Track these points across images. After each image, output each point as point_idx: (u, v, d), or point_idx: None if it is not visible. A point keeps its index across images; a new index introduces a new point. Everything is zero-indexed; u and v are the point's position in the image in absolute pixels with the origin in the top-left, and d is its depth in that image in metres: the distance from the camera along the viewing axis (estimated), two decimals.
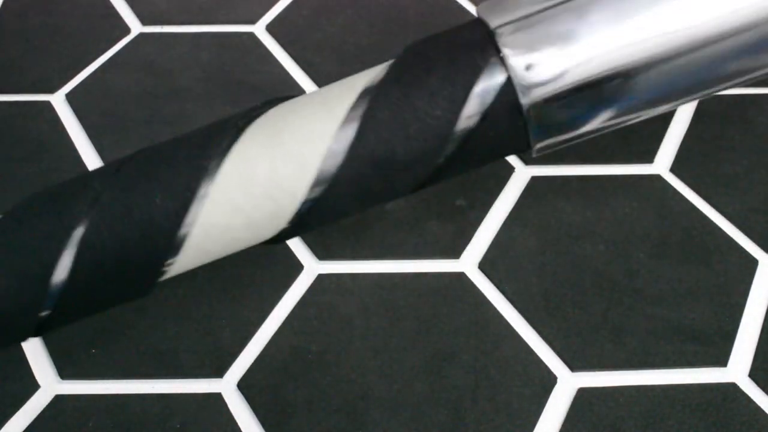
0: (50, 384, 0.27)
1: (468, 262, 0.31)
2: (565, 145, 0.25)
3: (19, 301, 0.22)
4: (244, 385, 0.27)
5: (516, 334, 0.28)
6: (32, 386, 0.27)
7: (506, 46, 0.22)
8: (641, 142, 0.35)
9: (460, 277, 0.30)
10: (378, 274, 0.30)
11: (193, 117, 0.37)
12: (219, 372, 0.28)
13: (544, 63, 0.22)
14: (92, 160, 0.35)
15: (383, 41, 0.41)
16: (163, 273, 0.24)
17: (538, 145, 0.24)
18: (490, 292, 0.30)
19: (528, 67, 0.22)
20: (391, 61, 0.23)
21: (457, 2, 0.43)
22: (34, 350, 0.28)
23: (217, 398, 0.27)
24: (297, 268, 0.31)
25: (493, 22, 0.22)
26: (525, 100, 0.22)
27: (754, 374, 0.27)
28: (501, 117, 0.22)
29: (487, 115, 0.22)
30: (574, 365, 0.27)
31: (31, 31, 0.42)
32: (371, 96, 0.21)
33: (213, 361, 0.28)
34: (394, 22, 0.42)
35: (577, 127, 0.24)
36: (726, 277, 0.30)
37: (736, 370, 0.27)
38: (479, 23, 0.23)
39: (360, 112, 0.22)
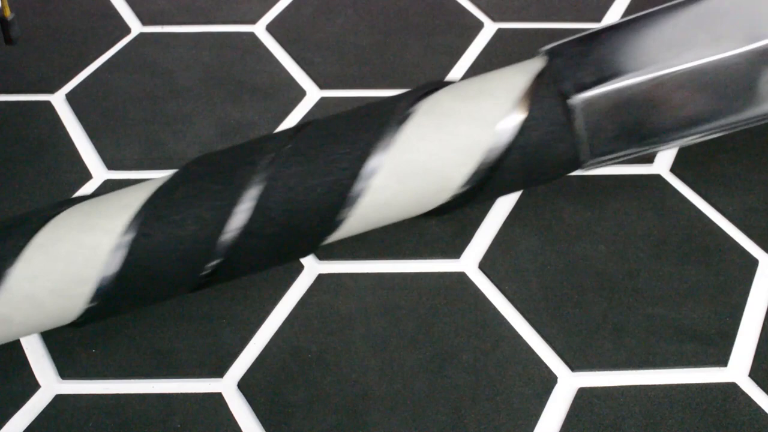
0: (50, 384, 0.27)
1: (468, 262, 0.31)
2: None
3: (193, 249, 0.23)
4: (244, 385, 0.27)
5: (516, 334, 0.28)
6: (32, 386, 0.27)
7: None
8: None
9: (460, 277, 0.30)
10: (378, 274, 0.30)
11: (193, 117, 0.37)
12: (219, 372, 0.28)
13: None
14: (92, 160, 0.35)
15: (383, 41, 0.41)
16: (335, 227, 0.24)
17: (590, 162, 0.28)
18: (490, 292, 0.30)
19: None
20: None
21: (457, 2, 0.43)
22: (35, 350, 0.28)
23: (217, 398, 0.27)
24: (297, 268, 0.31)
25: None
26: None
27: (754, 374, 0.27)
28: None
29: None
30: (574, 365, 0.27)
31: (31, 31, 0.42)
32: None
33: (213, 361, 0.28)
34: (394, 22, 0.42)
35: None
36: (726, 277, 0.30)
37: (736, 370, 0.27)
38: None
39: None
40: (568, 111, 0.25)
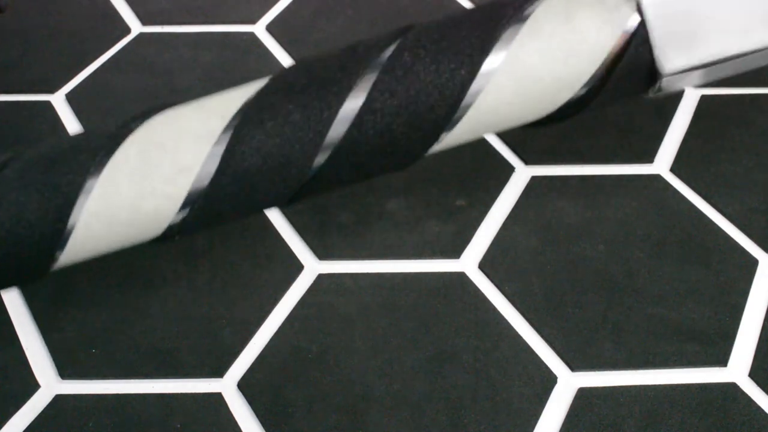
0: (50, 384, 0.27)
1: (468, 262, 0.31)
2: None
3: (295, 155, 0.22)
4: (244, 385, 0.27)
5: (516, 334, 0.28)
6: (32, 386, 0.27)
7: None
8: (641, 142, 0.35)
9: (460, 277, 0.30)
10: (378, 274, 0.30)
11: None
12: (219, 372, 0.28)
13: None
14: None
15: None
16: (451, 125, 0.23)
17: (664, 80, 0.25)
18: (490, 292, 0.30)
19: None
20: None
21: (457, 2, 0.43)
22: (34, 350, 0.28)
23: (217, 398, 0.27)
24: (297, 268, 0.31)
25: None
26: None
27: (754, 374, 0.27)
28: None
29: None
30: (574, 365, 0.27)
31: (31, 31, 0.42)
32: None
33: (213, 361, 0.28)
34: (394, 22, 0.42)
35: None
36: (726, 277, 0.30)
37: (736, 370, 0.27)
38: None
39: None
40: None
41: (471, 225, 0.32)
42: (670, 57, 0.24)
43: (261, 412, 0.26)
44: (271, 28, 0.42)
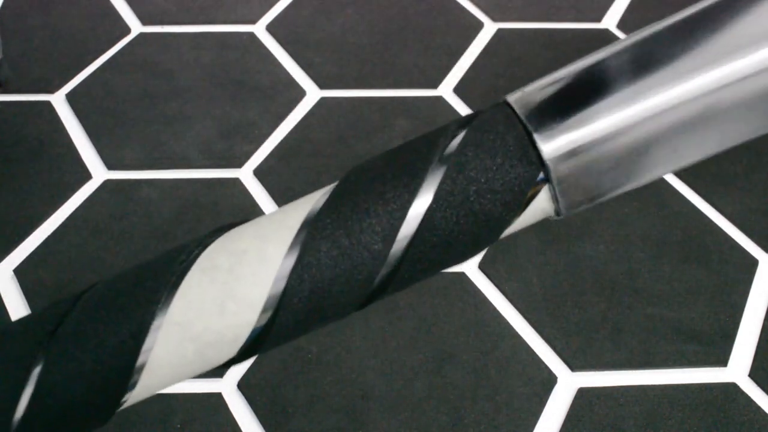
0: None
1: (468, 262, 0.31)
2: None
3: None
4: (244, 385, 0.27)
5: (516, 334, 0.28)
6: None
7: None
8: None
9: (460, 277, 0.30)
10: None
11: (193, 117, 0.37)
12: (219, 372, 0.28)
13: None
14: (92, 160, 0.35)
15: (383, 41, 0.41)
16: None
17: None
18: (490, 292, 0.30)
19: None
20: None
21: (456, 2, 0.43)
22: None
23: (217, 398, 0.27)
24: None
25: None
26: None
27: (754, 374, 0.27)
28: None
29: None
30: (574, 365, 0.27)
31: (31, 31, 0.42)
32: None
33: None
34: (394, 22, 0.42)
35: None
36: (726, 277, 0.30)
37: (736, 370, 0.27)
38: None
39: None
40: None
41: None
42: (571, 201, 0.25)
43: (261, 412, 0.26)
44: (271, 28, 0.42)
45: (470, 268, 0.30)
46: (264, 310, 0.22)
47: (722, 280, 0.30)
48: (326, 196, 0.24)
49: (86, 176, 0.34)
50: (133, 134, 0.36)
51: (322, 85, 0.38)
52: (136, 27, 0.42)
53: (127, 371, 0.21)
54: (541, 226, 0.32)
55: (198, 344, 0.22)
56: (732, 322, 0.29)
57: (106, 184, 0.33)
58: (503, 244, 0.31)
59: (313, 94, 0.38)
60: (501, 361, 0.28)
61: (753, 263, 0.30)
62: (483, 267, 0.30)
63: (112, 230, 0.32)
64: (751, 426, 0.26)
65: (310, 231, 0.22)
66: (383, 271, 0.24)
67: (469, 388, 0.27)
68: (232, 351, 0.24)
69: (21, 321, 0.23)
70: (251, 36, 0.42)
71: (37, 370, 0.19)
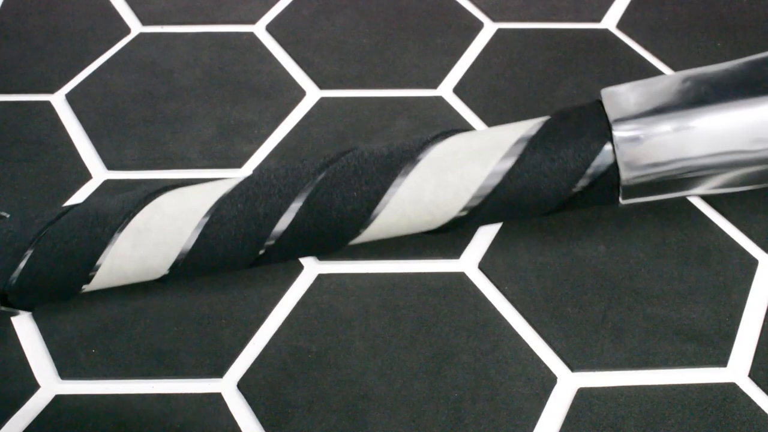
0: (50, 384, 0.27)
1: (468, 262, 0.31)
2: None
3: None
4: (244, 385, 0.27)
5: (516, 334, 0.28)
6: (32, 386, 0.27)
7: (619, 143, 0.27)
8: None
9: (460, 277, 0.30)
10: (378, 274, 0.30)
11: (193, 117, 0.37)
12: (219, 372, 0.28)
13: (644, 160, 0.27)
14: (92, 160, 0.35)
15: (383, 41, 0.41)
16: (357, 234, 0.28)
17: (624, 203, 0.29)
18: (490, 292, 0.30)
19: (628, 165, 0.27)
20: (543, 120, 0.29)
21: (456, 2, 0.43)
22: (34, 350, 0.28)
23: (217, 398, 0.27)
24: (297, 268, 0.31)
25: (612, 115, 0.28)
26: (623, 182, 0.28)
27: (754, 374, 0.27)
28: (603, 188, 0.28)
29: (594, 184, 0.28)
30: (574, 365, 0.27)
31: (31, 31, 0.42)
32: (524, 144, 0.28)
33: (213, 361, 0.28)
34: (394, 22, 0.42)
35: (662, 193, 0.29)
36: (726, 277, 0.30)
37: (736, 370, 0.27)
38: (601, 112, 0.28)
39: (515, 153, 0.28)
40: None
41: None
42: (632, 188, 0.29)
43: (261, 412, 0.26)
44: (271, 28, 0.42)
45: (470, 268, 0.30)
46: (464, 208, 0.28)
47: (722, 280, 0.30)
48: (538, 126, 0.29)
49: (86, 176, 0.34)
50: (132, 134, 0.36)
51: (321, 85, 0.38)
52: (136, 27, 0.42)
53: (87, 267, 0.28)
54: (541, 226, 0.32)
55: (408, 220, 0.28)
56: (732, 322, 0.29)
57: (106, 184, 0.34)
58: (503, 244, 0.31)
59: (312, 94, 0.38)
60: (501, 361, 0.28)
61: (753, 263, 0.30)
62: (483, 267, 0.30)
63: None
64: (751, 426, 0.26)
65: (527, 146, 0.28)
66: (268, 243, 0.28)
67: (469, 388, 0.27)
68: (157, 275, 0.29)
69: (22, 220, 0.29)
70: (251, 36, 0.42)
71: (29, 253, 0.27)
